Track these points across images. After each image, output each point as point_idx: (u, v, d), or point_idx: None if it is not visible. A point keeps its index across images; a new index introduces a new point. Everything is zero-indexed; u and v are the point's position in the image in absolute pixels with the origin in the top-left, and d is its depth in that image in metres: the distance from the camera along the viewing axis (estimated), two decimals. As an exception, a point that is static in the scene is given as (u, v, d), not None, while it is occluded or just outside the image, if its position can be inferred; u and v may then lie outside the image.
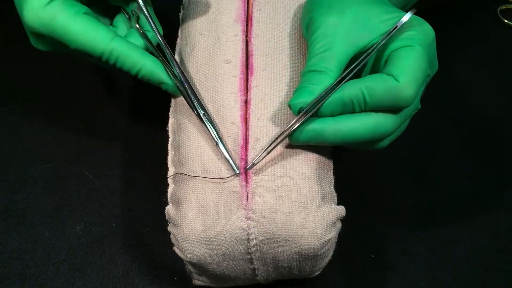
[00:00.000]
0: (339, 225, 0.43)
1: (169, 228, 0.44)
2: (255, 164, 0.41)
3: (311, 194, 0.41)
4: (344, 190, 0.45)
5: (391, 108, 0.40)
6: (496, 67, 0.65)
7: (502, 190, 0.56)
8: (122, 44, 0.43)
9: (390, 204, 0.55)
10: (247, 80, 0.46)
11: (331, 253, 0.44)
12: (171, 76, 0.44)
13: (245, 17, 0.49)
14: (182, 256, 0.43)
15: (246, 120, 0.44)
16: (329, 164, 0.44)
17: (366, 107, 0.40)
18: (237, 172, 0.41)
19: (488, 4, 0.69)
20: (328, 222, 0.41)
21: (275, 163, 0.42)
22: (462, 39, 0.67)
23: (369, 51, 0.40)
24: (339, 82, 0.39)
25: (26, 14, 0.42)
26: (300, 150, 0.42)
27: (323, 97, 0.39)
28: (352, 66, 0.40)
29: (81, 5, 0.44)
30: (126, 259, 0.51)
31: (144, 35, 0.46)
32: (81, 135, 0.58)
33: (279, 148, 0.42)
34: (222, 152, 0.42)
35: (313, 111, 0.39)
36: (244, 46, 0.47)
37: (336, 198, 0.44)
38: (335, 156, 0.45)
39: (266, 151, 0.41)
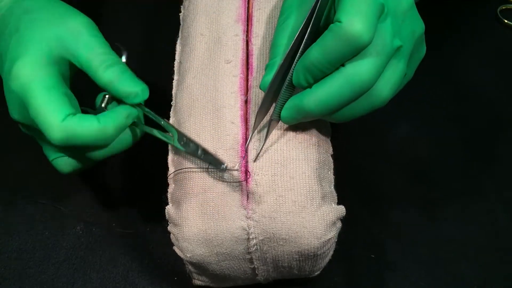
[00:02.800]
0: (339, 224, 0.43)
1: (169, 228, 0.44)
2: (258, 155, 0.42)
3: (311, 194, 0.41)
4: (344, 190, 0.45)
5: (352, 54, 0.37)
6: (496, 67, 0.65)
7: (501, 190, 0.56)
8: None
9: (390, 204, 0.55)
10: (247, 80, 0.46)
11: (331, 252, 0.44)
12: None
13: (246, 16, 0.48)
14: (182, 256, 0.43)
15: (246, 119, 0.44)
16: (329, 163, 0.44)
17: (330, 65, 0.38)
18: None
19: (488, 4, 0.69)
20: (328, 221, 0.41)
21: (275, 163, 0.42)
22: (462, 39, 0.67)
23: (311, 11, 0.38)
24: (296, 50, 0.39)
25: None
26: (300, 149, 0.42)
27: (283, 67, 0.39)
28: (299, 30, 0.39)
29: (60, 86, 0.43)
30: (126, 259, 0.51)
31: None
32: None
33: (280, 148, 0.42)
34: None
35: (279, 84, 0.40)
36: (245, 46, 0.47)
37: (336, 197, 0.44)
38: (334, 155, 0.45)
39: (264, 140, 0.42)
